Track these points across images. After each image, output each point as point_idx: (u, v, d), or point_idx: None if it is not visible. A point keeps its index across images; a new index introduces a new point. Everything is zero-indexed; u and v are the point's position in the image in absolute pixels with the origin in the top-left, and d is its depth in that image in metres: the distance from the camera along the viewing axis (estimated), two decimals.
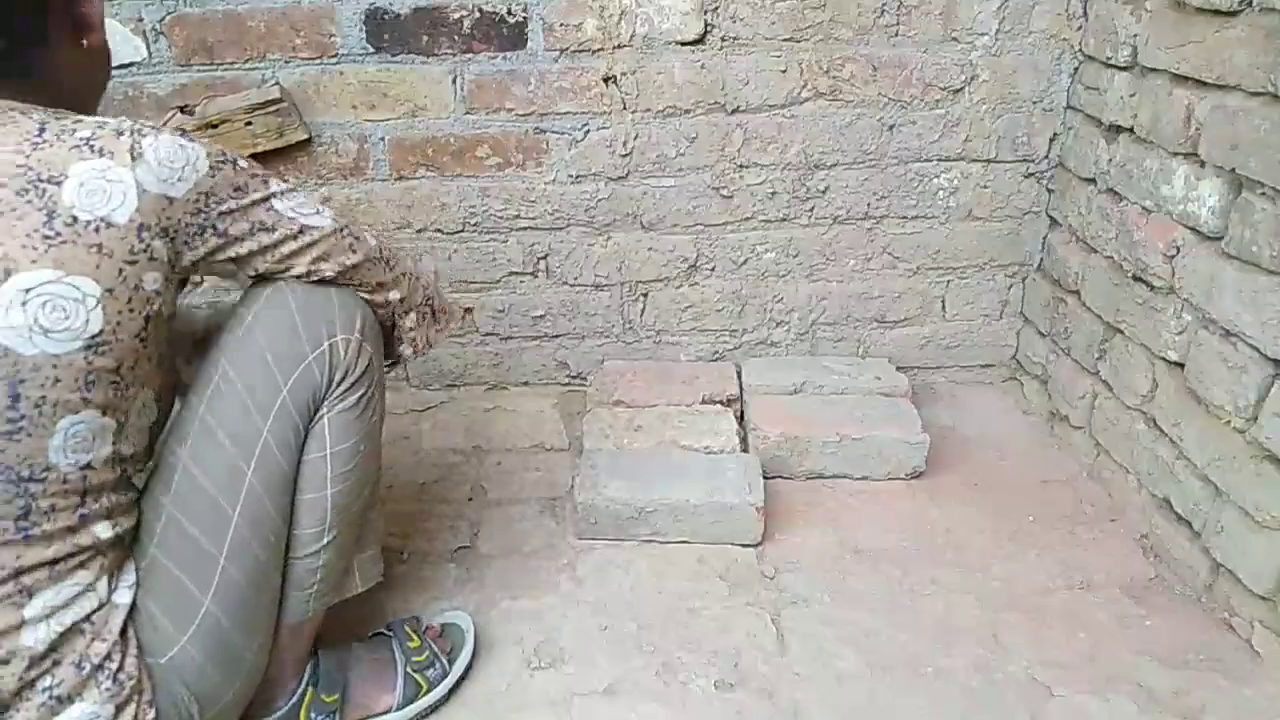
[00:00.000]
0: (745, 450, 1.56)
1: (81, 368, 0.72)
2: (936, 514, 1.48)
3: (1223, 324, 1.21)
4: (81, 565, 0.77)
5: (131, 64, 1.57)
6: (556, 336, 1.83)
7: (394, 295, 0.97)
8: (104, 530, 0.79)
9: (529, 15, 1.57)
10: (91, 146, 0.72)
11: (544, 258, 1.76)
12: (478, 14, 1.57)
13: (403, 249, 0.98)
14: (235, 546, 0.86)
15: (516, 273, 1.77)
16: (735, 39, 1.60)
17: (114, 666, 0.78)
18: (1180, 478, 1.31)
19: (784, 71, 1.62)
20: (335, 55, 1.59)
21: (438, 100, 1.63)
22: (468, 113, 1.64)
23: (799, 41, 1.60)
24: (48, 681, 0.75)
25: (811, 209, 1.73)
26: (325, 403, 0.91)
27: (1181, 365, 1.31)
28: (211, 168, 0.79)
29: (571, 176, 1.69)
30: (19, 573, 0.73)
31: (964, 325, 1.84)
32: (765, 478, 1.47)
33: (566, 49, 1.60)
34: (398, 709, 1.07)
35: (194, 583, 0.85)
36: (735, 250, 1.76)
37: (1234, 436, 1.19)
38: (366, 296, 0.95)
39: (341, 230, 0.91)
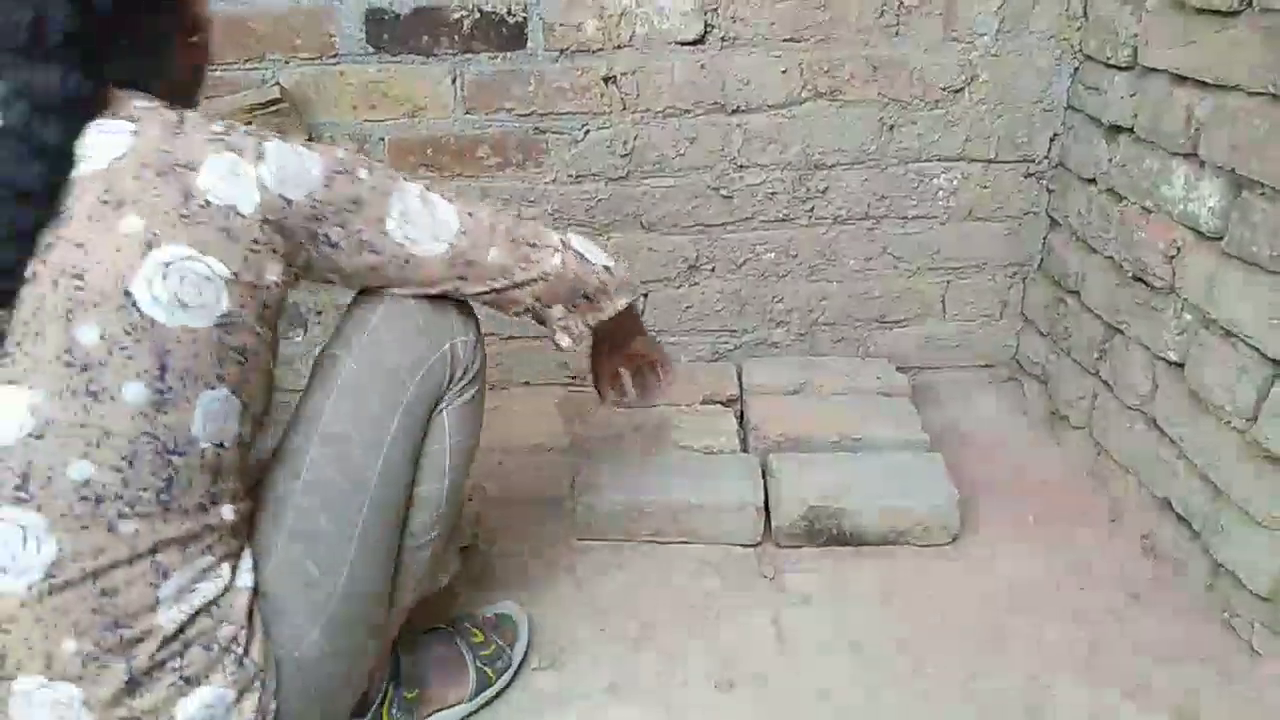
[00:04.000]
0: (745, 450, 1.56)
1: (214, 344, 0.76)
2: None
3: (1223, 324, 1.21)
4: (208, 548, 0.79)
5: None
6: None
7: (527, 298, 0.98)
8: (229, 513, 0.81)
9: (529, 15, 1.57)
10: (224, 141, 0.77)
11: None
12: (477, 14, 1.57)
13: (546, 227, 1.00)
14: (363, 538, 0.89)
15: None
16: (735, 39, 1.60)
17: (240, 650, 0.80)
18: (1180, 478, 1.31)
19: (784, 71, 1.62)
20: (335, 55, 1.59)
21: (437, 100, 1.63)
22: (467, 113, 1.64)
23: (799, 41, 1.60)
24: (177, 663, 0.76)
25: (811, 209, 1.73)
26: (444, 398, 0.95)
27: (1181, 365, 1.31)
28: (326, 177, 0.82)
29: (571, 176, 1.69)
30: (155, 549, 0.75)
31: (964, 325, 1.84)
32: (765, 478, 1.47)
33: (566, 49, 1.60)
34: (469, 700, 1.11)
35: (324, 573, 0.86)
36: (735, 250, 1.76)
37: (1234, 436, 1.19)
38: (494, 299, 0.97)
39: (455, 256, 0.90)
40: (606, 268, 1.02)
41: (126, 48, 0.78)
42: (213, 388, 0.76)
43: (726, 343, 1.85)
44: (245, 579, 0.83)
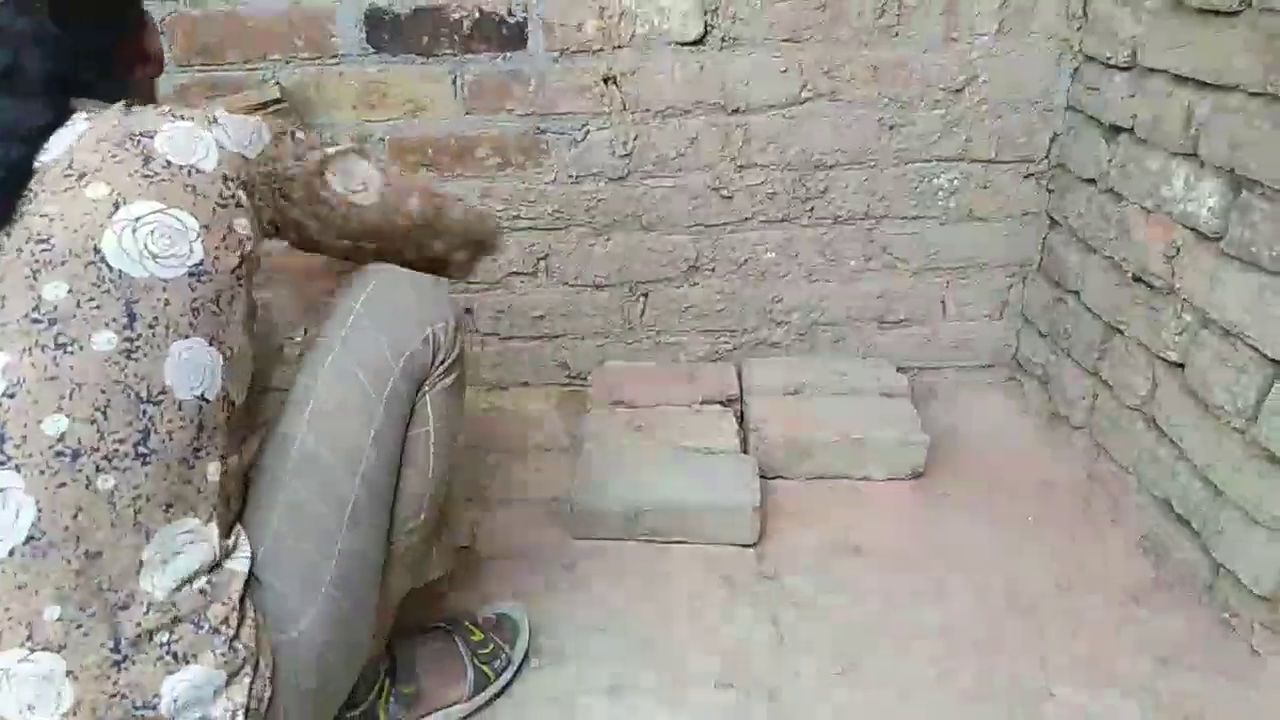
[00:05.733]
0: (745, 451, 1.56)
1: (187, 294, 0.78)
2: (936, 514, 1.48)
3: (1223, 324, 1.21)
4: (192, 509, 0.79)
5: None
6: (556, 336, 1.83)
7: (439, 247, 1.07)
8: (213, 471, 0.80)
9: (529, 15, 1.57)
10: (174, 114, 0.83)
11: (544, 258, 1.76)
12: (478, 14, 1.57)
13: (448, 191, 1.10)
14: (354, 519, 0.90)
15: (516, 273, 1.77)
16: (735, 39, 1.60)
17: (230, 633, 0.79)
18: (1180, 478, 1.31)
19: (784, 72, 1.62)
20: (335, 55, 1.59)
21: (437, 100, 1.63)
22: (467, 113, 1.64)
23: (799, 42, 1.60)
24: (166, 637, 0.75)
25: (811, 209, 1.73)
26: (427, 382, 0.97)
27: (1181, 365, 1.31)
28: (275, 138, 0.89)
29: (571, 176, 1.69)
30: (136, 509, 0.74)
31: (964, 325, 1.84)
32: (766, 478, 1.47)
33: (566, 49, 1.60)
34: (467, 700, 1.11)
35: (316, 554, 0.87)
36: (735, 250, 1.76)
37: (1234, 437, 1.19)
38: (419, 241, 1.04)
39: (385, 203, 0.98)
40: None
41: (92, 79, 0.86)
42: (186, 337, 0.77)
43: (726, 343, 1.85)
44: (240, 564, 0.82)
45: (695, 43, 1.60)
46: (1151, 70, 1.36)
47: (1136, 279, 1.41)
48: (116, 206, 0.76)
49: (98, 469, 0.72)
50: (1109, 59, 1.48)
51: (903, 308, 1.82)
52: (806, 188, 1.71)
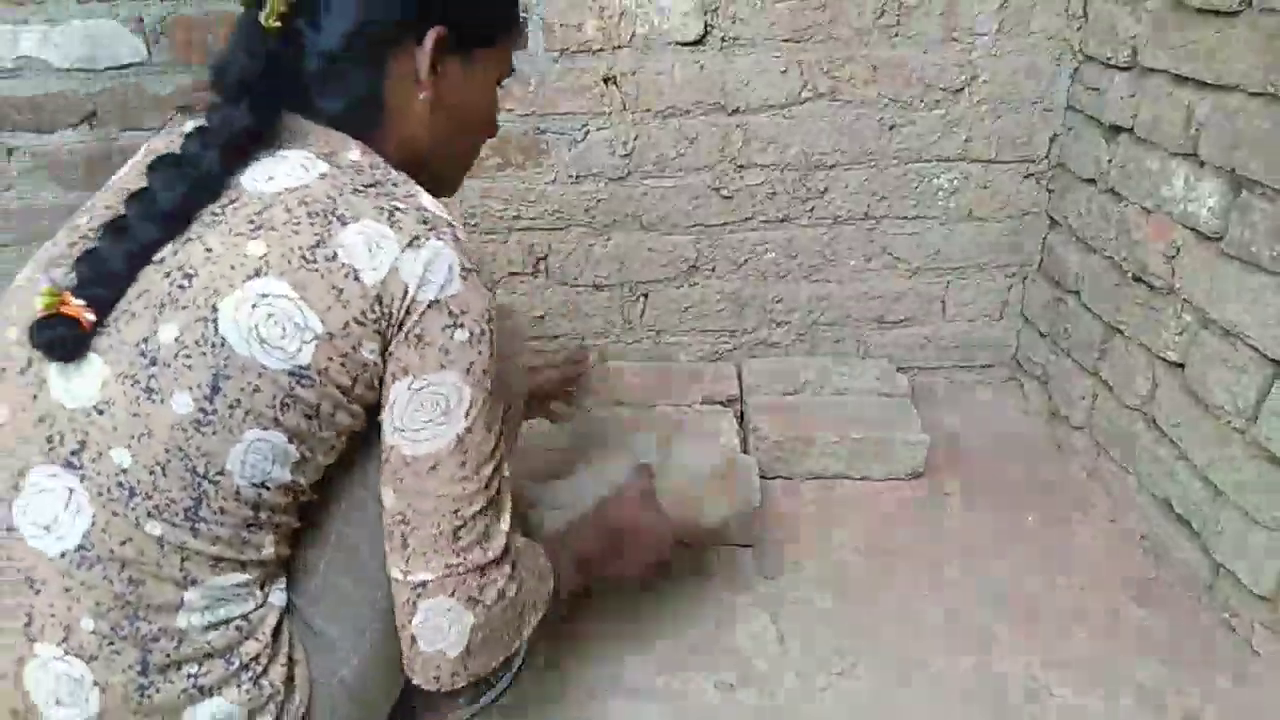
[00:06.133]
0: (745, 451, 1.56)
1: (283, 390, 0.73)
2: (936, 514, 1.48)
3: (1223, 324, 1.21)
4: (242, 566, 0.77)
5: (131, 64, 1.58)
6: (556, 336, 1.83)
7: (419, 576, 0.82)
8: (268, 545, 0.79)
9: (529, 15, 1.57)
10: (390, 214, 0.76)
11: (544, 258, 1.76)
12: None
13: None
14: None
15: (516, 273, 1.77)
16: (735, 39, 1.60)
17: (259, 669, 0.78)
18: (1180, 478, 1.31)
19: (784, 72, 1.62)
20: None
21: None
22: None
23: (799, 42, 1.60)
24: (194, 668, 0.75)
25: (811, 209, 1.73)
26: None
27: (1181, 365, 1.31)
28: (441, 302, 0.76)
29: (571, 176, 1.69)
30: (183, 557, 0.73)
31: (964, 325, 1.84)
32: (765, 478, 1.47)
33: (566, 49, 1.60)
34: (468, 703, 1.10)
35: (365, 600, 0.85)
36: (735, 250, 1.76)
37: (1234, 437, 1.19)
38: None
39: (389, 467, 0.80)
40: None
41: (332, 98, 0.81)
42: (264, 428, 0.73)
43: (726, 343, 1.85)
44: (278, 597, 0.81)
45: (695, 43, 1.60)
46: (1151, 70, 1.36)
47: (1136, 279, 1.41)
48: (256, 274, 0.72)
49: (148, 514, 0.72)
50: (1109, 59, 1.48)
51: (903, 308, 1.82)
52: (807, 188, 1.71)
